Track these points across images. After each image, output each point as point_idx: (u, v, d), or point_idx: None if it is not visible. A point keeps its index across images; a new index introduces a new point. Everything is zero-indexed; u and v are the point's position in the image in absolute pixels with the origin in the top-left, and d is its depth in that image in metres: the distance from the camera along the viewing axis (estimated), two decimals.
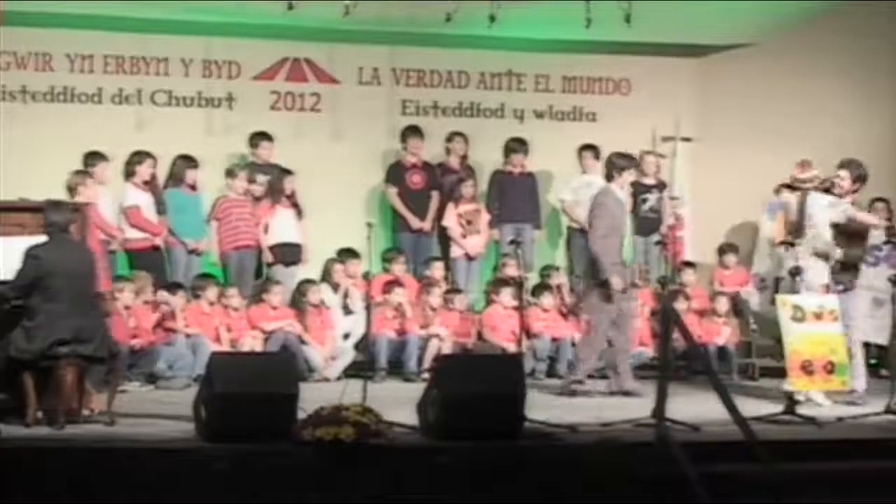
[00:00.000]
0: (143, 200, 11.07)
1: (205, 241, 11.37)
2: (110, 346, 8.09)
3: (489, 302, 11.68)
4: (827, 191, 9.66)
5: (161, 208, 11.17)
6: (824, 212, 9.47)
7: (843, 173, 9.66)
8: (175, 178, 11.37)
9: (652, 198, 12.41)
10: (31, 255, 7.86)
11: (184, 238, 11.25)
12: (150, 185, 11.17)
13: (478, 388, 7.50)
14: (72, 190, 10.14)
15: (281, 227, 11.52)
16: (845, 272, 9.58)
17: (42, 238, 8.02)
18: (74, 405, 7.93)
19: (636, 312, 10.69)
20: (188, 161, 11.39)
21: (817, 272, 9.44)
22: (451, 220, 12.04)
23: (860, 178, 9.75)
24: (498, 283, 11.65)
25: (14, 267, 7.85)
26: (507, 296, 11.44)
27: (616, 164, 10.12)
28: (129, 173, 11.11)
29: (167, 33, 11.88)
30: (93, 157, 10.90)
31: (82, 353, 7.85)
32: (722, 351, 11.60)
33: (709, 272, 12.56)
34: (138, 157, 11.13)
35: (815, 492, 7.09)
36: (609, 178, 10.16)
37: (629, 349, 10.29)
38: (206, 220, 11.41)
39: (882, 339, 9.98)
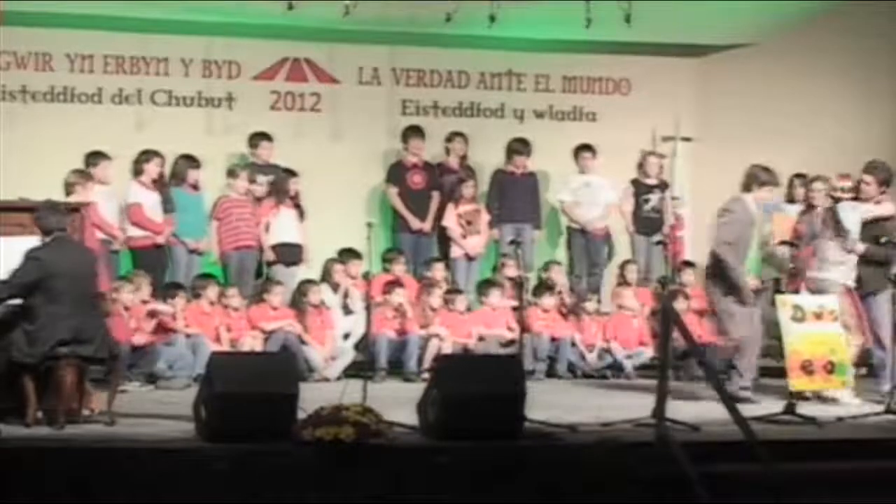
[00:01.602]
0: (147, 199, 11.07)
1: (205, 241, 11.37)
2: (110, 346, 8.09)
3: (480, 304, 11.67)
4: (855, 196, 9.84)
5: (168, 207, 11.18)
6: (850, 215, 9.61)
7: (869, 178, 9.84)
8: (177, 177, 11.37)
9: (654, 198, 12.43)
10: (31, 256, 7.85)
11: (184, 238, 11.25)
12: (157, 183, 11.18)
13: (478, 388, 7.50)
14: (69, 189, 10.15)
15: (282, 227, 11.52)
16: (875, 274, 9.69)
17: (40, 239, 8.03)
18: (74, 405, 7.92)
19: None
20: (190, 161, 11.39)
21: (842, 273, 9.53)
22: (450, 221, 12.04)
23: (885, 182, 9.82)
24: (486, 284, 11.65)
25: (14, 267, 7.85)
26: (495, 297, 11.44)
27: (758, 178, 9.68)
28: (136, 172, 11.12)
29: (167, 33, 11.88)
30: (95, 157, 10.91)
31: (82, 353, 7.84)
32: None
33: None
34: (146, 155, 11.14)
35: (815, 492, 7.09)
36: (747, 188, 9.72)
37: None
38: (207, 220, 11.42)
39: None
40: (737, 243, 9.52)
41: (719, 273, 9.49)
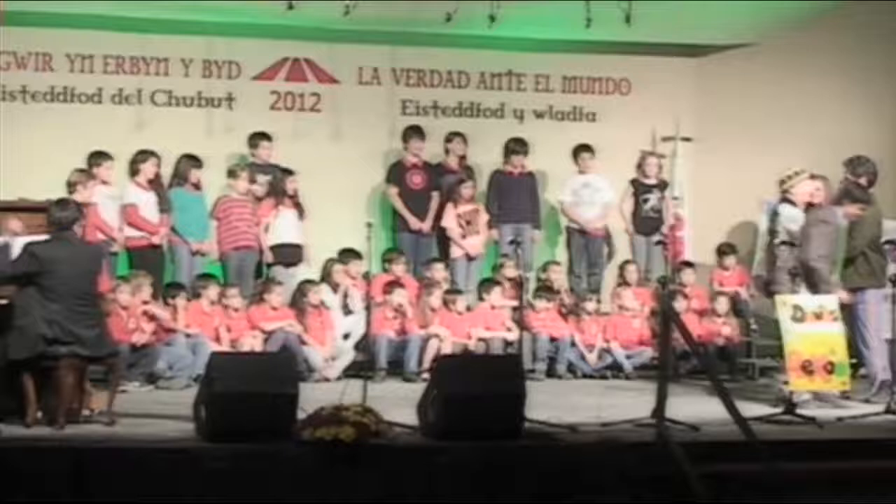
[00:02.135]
0: (143, 199, 11.06)
1: (207, 242, 11.36)
2: (109, 345, 8.09)
3: (480, 299, 11.67)
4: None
5: (165, 207, 11.17)
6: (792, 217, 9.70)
7: (852, 177, 9.82)
8: (179, 177, 11.36)
9: (653, 198, 12.42)
10: (27, 250, 7.87)
11: (187, 238, 11.24)
12: (153, 183, 11.17)
13: (478, 388, 7.51)
14: (71, 188, 10.15)
15: (282, 227, 11.52)
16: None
17: (42, 237, 8.04)
18: (74, 405, 7.93)
19: None
20: (192, 161, 11.39)
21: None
22: (450, 221, 12.03)
23: (865, 174, 9.78)
24: (488, 283, 11.64)
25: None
26: (496, 295, 11.43)
27: (851, 193, 9.63)
28: (133, 172, 11.11)
29: (167, 33, 11.88)
30: (98, 157, 10.93)
31: (82, 353, 7.84)
32: (722, 351, 11.61)
33: (708, 272, 12.55)
34: (143, 155, 11.14)
35: (815, 492, 7.10)
36: (838, 202, 9.66)
37: None
38: (209, 219, 11.41)
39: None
40: (825, 255, 9.41)
41: (813, 283, 9.36)
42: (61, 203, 8.18)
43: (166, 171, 11.37)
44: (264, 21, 11.70)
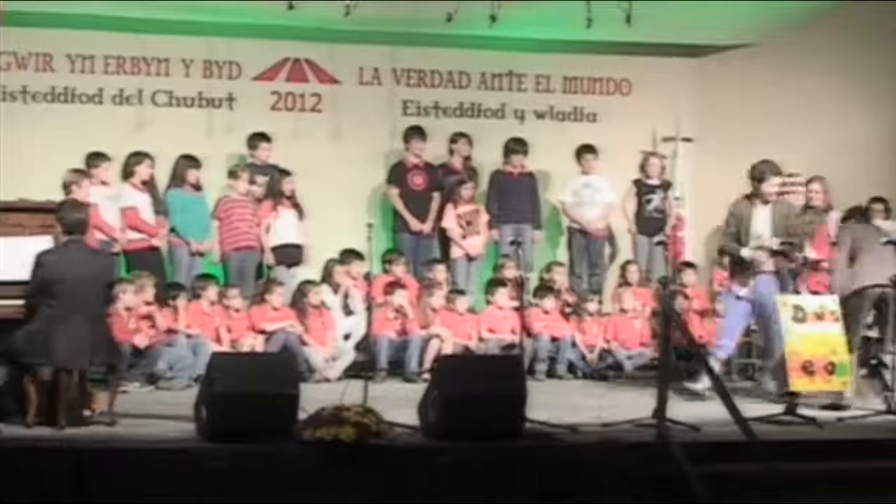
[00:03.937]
0: (141, 201, 11.05)
1: (207, 242, 11.35)
2: (112, 351, 8.08)
3: (487, 303, 11.66)
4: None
5: (159, 208, 11.16)
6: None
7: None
8: (178, 178, 11.36)
9: (657, 198, 12.41)
10: (36, 261, 7.85)
11: (188, 239, 11.23)
12: (148, 185, 11.17)
13: (478, 389, 7.51)
14: (66, 188, 10.15)
15: (283, 228, 11.51)
16: None
17: (43, 238, 8.03)
18: (75, 406, 7.92)
19: None
20: (191, 161, 11.38)
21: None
22: (450, 221, 12.03)
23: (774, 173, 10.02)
24: (494, 283, 11.64)
25: (13, 267, 7.88)
26: (502, 296, 11.42)
27: None
28: (127, 174, 11.10)
29: (167, 33, 11.88)
30: (95, 158, 10.91)
31: (83, 353, 7.84)
32: None
33: (709, 272, 12.55)
34: (136, 157, 11.13)
35: (815, 492, 7.10)
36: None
37: None
38: (210, 220, 11.40)
39: None
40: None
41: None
42: (74, 205, 8.14)
43: (165, 172, 11.37)
44: (264, 21, 11.71)
